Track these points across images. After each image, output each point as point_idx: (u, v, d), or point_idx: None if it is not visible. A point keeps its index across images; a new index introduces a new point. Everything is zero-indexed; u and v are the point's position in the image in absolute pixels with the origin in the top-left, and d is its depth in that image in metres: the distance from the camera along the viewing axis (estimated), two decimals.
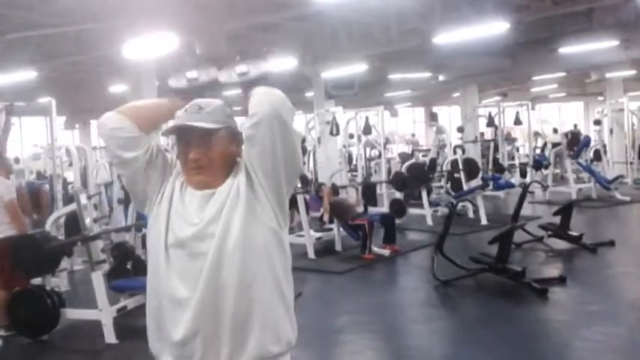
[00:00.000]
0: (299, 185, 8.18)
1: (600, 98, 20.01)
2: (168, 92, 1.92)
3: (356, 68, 11.95)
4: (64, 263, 6.22)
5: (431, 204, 10.08)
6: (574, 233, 7.35)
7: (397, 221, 8.57)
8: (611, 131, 14.57)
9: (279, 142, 1.68)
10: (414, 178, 9.97)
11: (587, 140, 13.54)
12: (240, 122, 1.78)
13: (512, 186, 11.67)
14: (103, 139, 1.83)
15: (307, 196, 8.74)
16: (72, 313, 5.10)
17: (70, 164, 7.98)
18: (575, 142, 14.14)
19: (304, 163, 11.89)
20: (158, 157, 1.82)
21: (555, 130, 18.64)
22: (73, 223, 5.72)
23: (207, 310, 1.64)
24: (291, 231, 8.21)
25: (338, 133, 11.58)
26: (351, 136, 12.54)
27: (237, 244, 1.65)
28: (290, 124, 1.71)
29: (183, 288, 1.66)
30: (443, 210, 9.98)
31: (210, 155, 1.73)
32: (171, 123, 1.82)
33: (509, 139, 14.82)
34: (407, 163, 10.83)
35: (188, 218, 1.71)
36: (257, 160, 1.71)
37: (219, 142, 1.74)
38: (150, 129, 1.84)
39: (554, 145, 13.52)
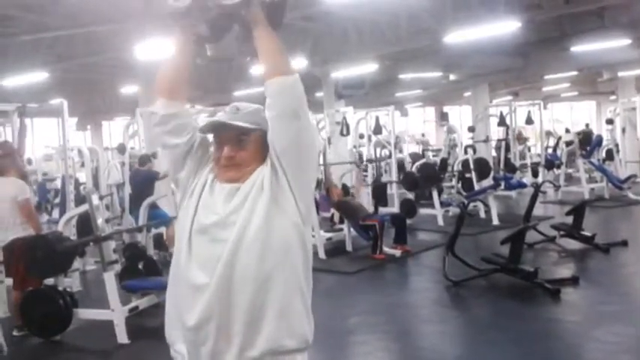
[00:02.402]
0: None
1: (612, 97, 19.89)
2: (164, 15, 1.86)
3: (366, 68, 11.94)
4: (77, 263, 6.24)
5: (442, 204, 10.05)
6: (586, 233, 7.29)
7: (408, 221, 8.55)
8: (623, 130, 14.42)
9: (303, 130, 1.74)
10: (425, 178, 9.95)
11: (600, 139, 13.44)
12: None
13: (524, 186, 11.61)
14: (153, 125, 1.88)
15: (317, 196, 8.73)
16: (84, 314, 5.12)
17: (82, 165, 8.04)
18: (588, 141, 14.03)
19: None
20: (199, 148, 1.87)
21: (567, 130, 18.47)
22: (85, 223, 5.75)
23: (222, 297, 1.65)
24: None
25: (348, 133, 11.56)
26: (362, 136, 12.52)
27: (258, 234, 1.67)
28: (307, 110, 1.76)
29: (201, 274, 1.68)
30: (454, 210, 9.95)
31: (243, 154, 1.77)
32: (204, 119, 1.85)
33: (521, 139, 14.73)
34: (418, 163, 10.81)
35: (213, 208, 1.75)
36: (282, 149, 1.74)
37: (253, 142, 1.78)
38: (185, 86, 1.90)
39: (568, 143, 13.42)
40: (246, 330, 1.66)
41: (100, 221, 5.15)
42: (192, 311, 1.68)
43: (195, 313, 1.67)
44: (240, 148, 1.77)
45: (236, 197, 1.74)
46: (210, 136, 1.87)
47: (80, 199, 7.13)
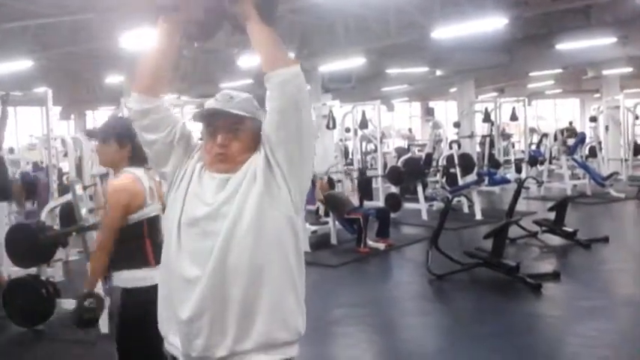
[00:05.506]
0: None
1: (596, 95, 20.06)
2: (152, 9, 1.84)
3: (353, 62, 11.93)
4: (60, 253, 6.20)
5: (426, 198, 10.10)
6: (568, 229, 7.37)
7: (393, 215, 8.58)
8: (606, 128, 14.60)
9: (302, 116, 1.70)
10: (410, 173, 9.99)
11: (583, 137, 13.57)
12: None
13: (507, 181, 11.70)
14: (132, 120, 1.88)
15: None
16: (67, 303, 5.08)
17: (66, 155, 7.97)
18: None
19: None
20: (181, 140, 1.84)
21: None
22: (69, 213, 5.71)
23: (215, 290, 1.65)
24: None
25: (334, 126, 11.56)
26: (348, 130, 12.52)
27: (250, 227, 1.66)
28: (308, 101, 1.74)
29: (193, 267, 1.67)
30: (438, 205, 10.00)
31: (236, 144, 1.75)
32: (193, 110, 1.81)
33: (505, 135, 14.84)
34: (403, 158, 10.83)
35: (203, 199, 1.73)
36: (278, 136, 1.70)
37: (247, 131, 1.77)
38: (164, 83, 1.87)
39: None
40: (240, 323, 1.65)
41: (83, 211, 5.12)
42: (185, 304, 1.67)
43: (188, 307, 1.66)
44: (234, 137, 1.75)
45: (227, 187, 1.71)
46: (194, 127, 1.83)
47: (63, 189, 7.07)
